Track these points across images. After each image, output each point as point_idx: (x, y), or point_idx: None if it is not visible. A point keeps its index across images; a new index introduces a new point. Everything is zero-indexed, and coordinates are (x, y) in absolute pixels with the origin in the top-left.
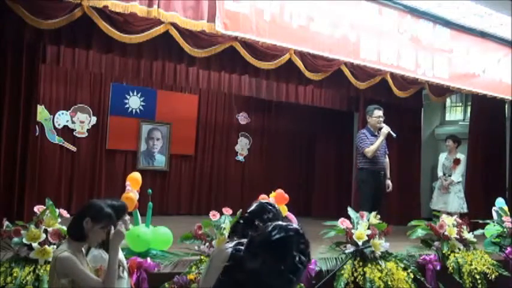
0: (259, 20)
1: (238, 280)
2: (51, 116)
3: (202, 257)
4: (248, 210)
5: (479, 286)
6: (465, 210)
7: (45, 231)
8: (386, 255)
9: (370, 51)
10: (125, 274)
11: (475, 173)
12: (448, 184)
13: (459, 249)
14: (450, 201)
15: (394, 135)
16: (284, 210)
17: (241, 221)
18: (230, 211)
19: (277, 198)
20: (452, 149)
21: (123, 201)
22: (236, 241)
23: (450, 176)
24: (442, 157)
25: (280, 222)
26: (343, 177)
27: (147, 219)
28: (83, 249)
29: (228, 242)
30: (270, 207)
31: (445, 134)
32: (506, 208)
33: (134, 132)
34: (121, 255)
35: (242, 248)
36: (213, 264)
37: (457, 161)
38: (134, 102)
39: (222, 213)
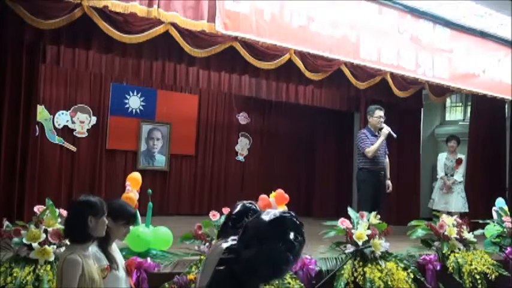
0: (259, 20)
1: (233, 270)
2: (51, 116)
3: (202, 257)
4: (233, 212)
5: (479, 286)
6: (467, 210)
7: (45, 231)
8: (386, 255)
9: (370, 51)
10: (121, 270)
11: (475, 173)
12: (451, 184)
13: (459, 249)
14: (453, 201)
15: (395, 135)
16: None
17: (230, 223)
18: None
19: (277, 198)
20: (454, 149)
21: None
22: (231, 238)
23: (452, 175)
24: (442, 157)
25: (271, 210)
26: (343, 177)
27: (147, 219)
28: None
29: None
30: (253, 206)
31: (445, 134)
32: (506, 208)
33: (134, 132)
34: (117, 253)
35: (236, 241)
36: (208, 261)
37: (459, 161)
38: (134, 102)
39: (222, 213)
